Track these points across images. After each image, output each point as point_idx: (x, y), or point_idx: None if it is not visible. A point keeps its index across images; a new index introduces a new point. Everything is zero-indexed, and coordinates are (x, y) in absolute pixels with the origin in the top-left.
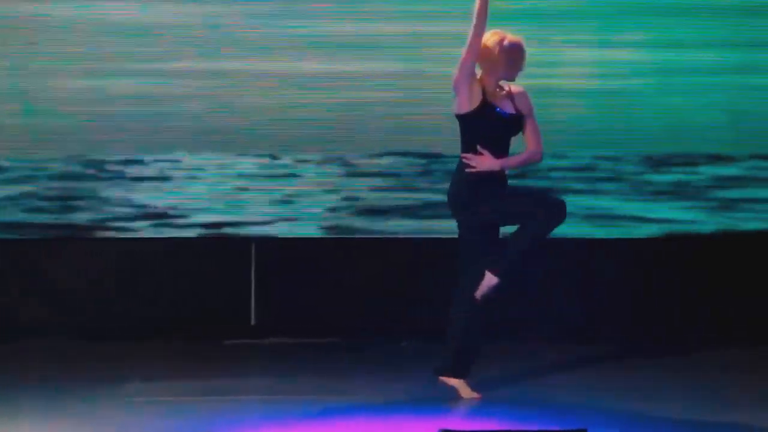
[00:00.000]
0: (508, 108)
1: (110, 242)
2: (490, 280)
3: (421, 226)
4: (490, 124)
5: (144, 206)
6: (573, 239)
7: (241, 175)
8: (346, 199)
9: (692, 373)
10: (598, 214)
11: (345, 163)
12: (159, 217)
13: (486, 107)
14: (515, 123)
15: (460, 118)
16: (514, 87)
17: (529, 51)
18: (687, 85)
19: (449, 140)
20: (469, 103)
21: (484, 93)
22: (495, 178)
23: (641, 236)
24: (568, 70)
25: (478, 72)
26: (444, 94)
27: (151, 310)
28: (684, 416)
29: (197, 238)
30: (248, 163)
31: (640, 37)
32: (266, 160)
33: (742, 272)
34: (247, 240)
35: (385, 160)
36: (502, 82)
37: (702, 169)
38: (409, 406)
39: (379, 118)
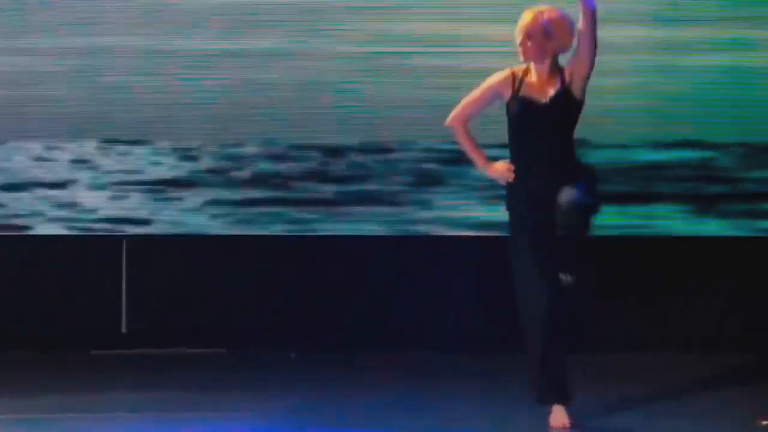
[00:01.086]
0: (550, 94)
1: None
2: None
3: (304, 227)
4: (519, 117)
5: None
6: None
7: (109, 165)
8: (230, 193)
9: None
10: None
11: (228, 156)
12: (18, 212)
13: (516, 100)
14: (549, 111)
15: None
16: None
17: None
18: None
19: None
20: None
21: (520, 84)
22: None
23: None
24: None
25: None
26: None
27: (9, 316)
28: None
29: (62, 236)
30: (117, 151)
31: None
32: (139, 149)
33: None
34: (119, 238)
35: (273, 151)
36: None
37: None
38: (293, 424)
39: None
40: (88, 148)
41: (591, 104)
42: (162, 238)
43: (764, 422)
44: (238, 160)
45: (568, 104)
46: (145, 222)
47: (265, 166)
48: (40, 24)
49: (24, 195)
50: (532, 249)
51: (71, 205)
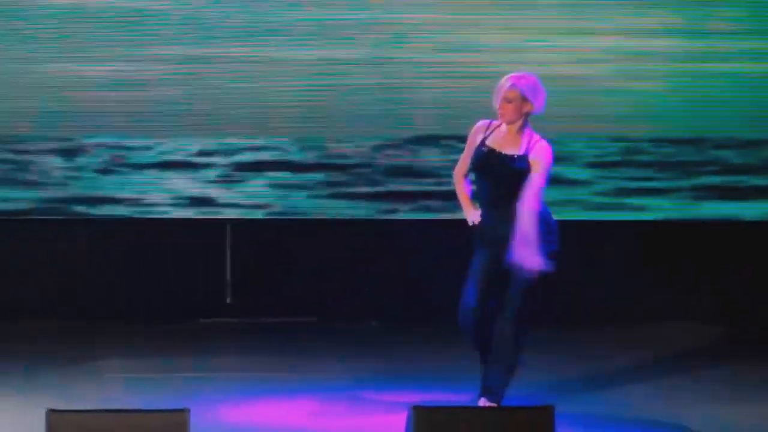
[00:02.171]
0: (511, 151)
1: (86, 222)
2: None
3: (389, 210)
4: (477, 160)
5: (121, 188)
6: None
7: (215, 160)
8: (319, 182)
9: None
10: (571, 199)
11: (319, 148)
12: (138, 198)
13: (481, 146)
14: (501, 164)
15: None
16: (538, 139)
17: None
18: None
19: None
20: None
21: (490, 133)
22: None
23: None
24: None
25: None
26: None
27: (127, 289)
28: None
29: (175, 219)
30: (223, 147)
31: (600, 24)
32: (241, 143)
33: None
34: (223, 222)
35: (357, 146)
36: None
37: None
38: (378, 385)
39: (360, 103)
40: (198, 143)
41: (632, 102)
42: (260, 221)
43: None
44: (325, 153)
45: (519, 166)
46: (245, 206)
47: (350, 158)
48: (154, 34)
49: (145, 185)
50: (474, 278)
51: (186, 194)
